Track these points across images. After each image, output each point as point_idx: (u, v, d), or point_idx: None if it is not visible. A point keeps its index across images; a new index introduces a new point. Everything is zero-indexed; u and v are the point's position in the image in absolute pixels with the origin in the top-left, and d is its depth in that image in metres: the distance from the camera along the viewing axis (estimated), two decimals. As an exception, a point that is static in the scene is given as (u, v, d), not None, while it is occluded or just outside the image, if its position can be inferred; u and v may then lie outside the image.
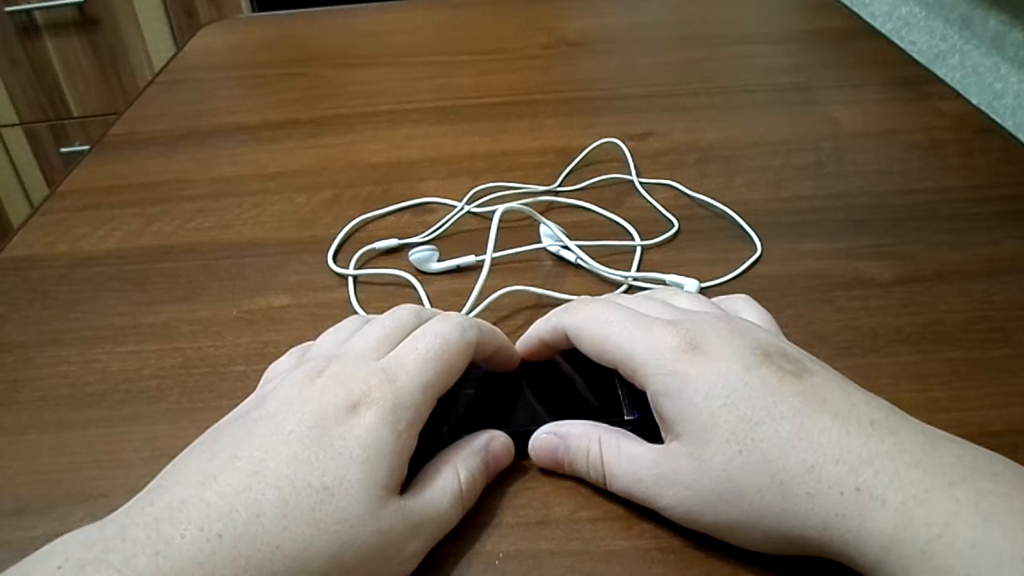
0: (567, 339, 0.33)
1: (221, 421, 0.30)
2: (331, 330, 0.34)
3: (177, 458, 0.28)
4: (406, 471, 0.29)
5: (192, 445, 0.29)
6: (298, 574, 0.24)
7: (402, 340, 0.31)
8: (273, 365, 0.35)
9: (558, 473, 0.33)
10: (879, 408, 0.27)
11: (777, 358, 0.29)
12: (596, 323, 0.32)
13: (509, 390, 0.36)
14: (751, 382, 0.28)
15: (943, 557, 0.23)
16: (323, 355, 0.31)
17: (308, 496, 0.25)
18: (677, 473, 0.28)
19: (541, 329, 0.35)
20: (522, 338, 0.36)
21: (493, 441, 0.32)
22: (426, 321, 0.32)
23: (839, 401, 0.27)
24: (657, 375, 0.29)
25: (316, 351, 0.33)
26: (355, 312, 0.43)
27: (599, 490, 0.32)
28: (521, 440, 0.33)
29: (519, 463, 0.33)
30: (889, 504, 0.24)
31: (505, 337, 0.35)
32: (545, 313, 0.41)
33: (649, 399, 0.30)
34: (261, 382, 0.34)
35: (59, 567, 0.22)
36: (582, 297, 0.36)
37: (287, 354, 0.35)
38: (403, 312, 0.33)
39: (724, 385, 0.28)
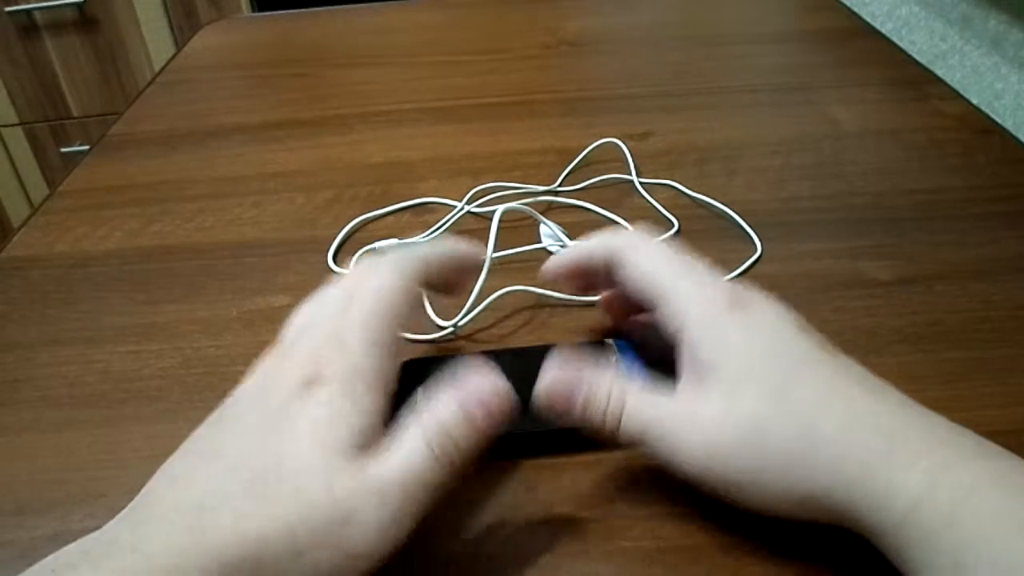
0: (605, 264, 0.33)
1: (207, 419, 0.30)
2: (303, 305, 0.33)
3: (165, 463, 0.28)
4: (380, 438, 0.27)
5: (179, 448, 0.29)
6: (262, 554, 0.24)
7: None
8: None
9: (548, 477, 0.33)
10: (905, 397, 0.28)
11: (814, 334, 0.30)
12: (649, 253, 0.32)
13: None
14: (791, 344, 0.29)
15: (968, 520, 0.23)
16: (288, 336, 0.31)
17: (266, 477, 0.25)
18: (704, 417, 0.28)
19: (582, 248, 0.34)
20: (557, 256, 0.35)
21: (468, 382, 0.27)
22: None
23: (871, 381, 0.28)
24: (699, 319, 0.29)
25: (284, 332, 0.32)
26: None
27: (599, 490, 0.32)
28: (515, 442, 0.33)
29: (519, 464, 0.33)
30: (917, 467, 0.25)
31: (462, 248, 0.33)
32: (545, 313, 0.41)
33: (682, 343, 0.30)
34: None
35: (52, 570, 0.23)
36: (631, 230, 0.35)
37: None
38: (358, 269, 0.32)
39: (765, 339, 0.28)
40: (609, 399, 0.29)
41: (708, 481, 0.28)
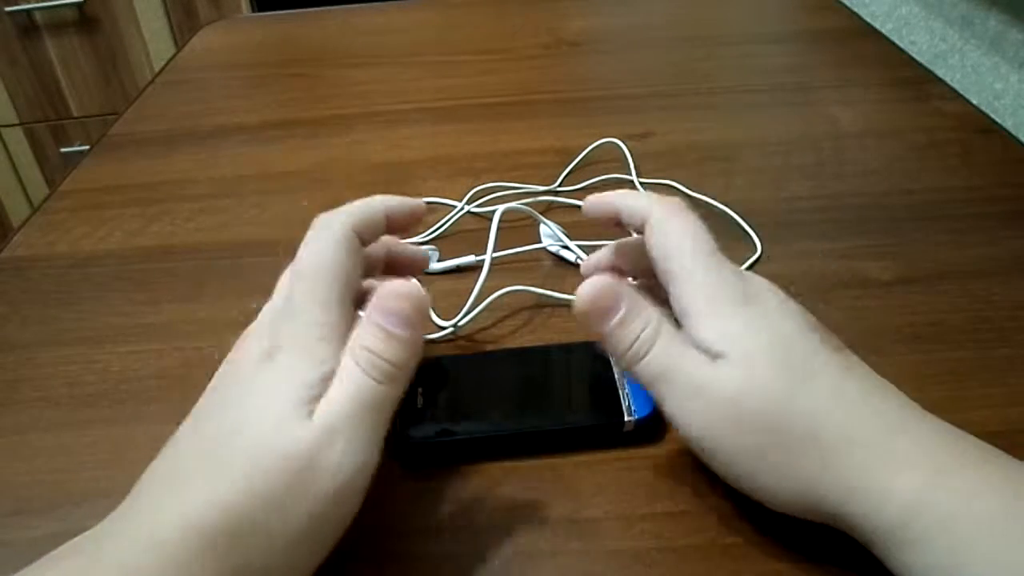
0: (640, 224, 0.32)
1: None
2: None
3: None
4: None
5: None
6: (230, 519, 0.24)
7: None
8: None
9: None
10: (907, 399, 0.28)
11: (820, 331, 0.29)
12: (687, 226, 0.30)
13: (510, 389, 0.36)
14: (805, 336, 0.28)
15: (965, 524, 0.24)
16: (255, 322, 0.32)
17: (232, 442, 0.26)
18: (724, 384, 0.27)
19: (628, 199, 0.33)
20: (600, 195, 0.34)
21: (379, 298, 0.28)
22: None
23: (873, 380, 0.28)
24: (707, 311, 0.28)
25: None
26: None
27: (599, 490, 0.32)
28: (522, 442, 0.33)
29: (519, 464, 0.33)
30: (915, 472, 0.25)
31: (389, 199, 0.33)
32: (545, 313, 0.41)
33: (686, 328, 0.29)
34: None
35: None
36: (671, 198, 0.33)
37: None
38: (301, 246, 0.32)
39: (780, 327, 0.28)
40: (645, 328, 0.29)
41: (709, 451, 0.28)
